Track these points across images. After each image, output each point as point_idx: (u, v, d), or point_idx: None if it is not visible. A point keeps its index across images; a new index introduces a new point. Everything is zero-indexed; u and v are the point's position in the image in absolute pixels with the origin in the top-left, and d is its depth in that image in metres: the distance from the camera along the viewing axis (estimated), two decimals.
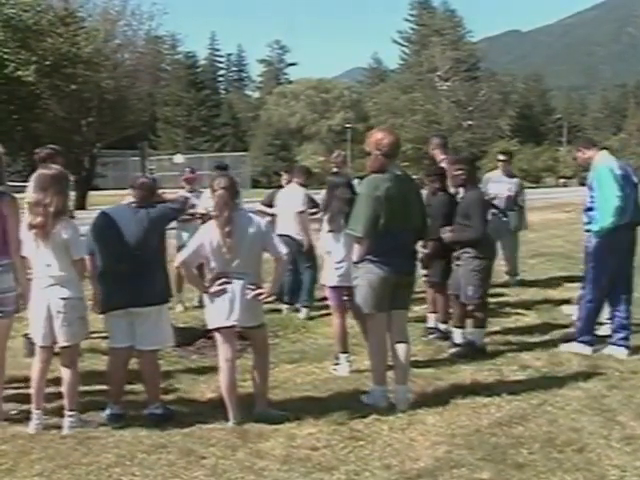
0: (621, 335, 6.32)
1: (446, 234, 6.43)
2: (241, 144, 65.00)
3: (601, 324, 6.70)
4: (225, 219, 4.65)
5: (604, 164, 6.19)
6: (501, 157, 10.26)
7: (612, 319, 6.45)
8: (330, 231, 6.00)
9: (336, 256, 5.93)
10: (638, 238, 6.48)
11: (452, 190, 6.84)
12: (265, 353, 5.01)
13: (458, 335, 6.54)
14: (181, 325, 7.33)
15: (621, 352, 6.21)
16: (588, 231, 6.33)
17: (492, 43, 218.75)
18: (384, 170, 5.03)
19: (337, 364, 5.99)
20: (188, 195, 8.25)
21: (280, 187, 8.88)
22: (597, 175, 6.18)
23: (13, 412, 5.01)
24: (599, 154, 6.32)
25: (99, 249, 4.88)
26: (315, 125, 74.17)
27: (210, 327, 4.88)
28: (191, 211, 8.23)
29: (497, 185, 9.62)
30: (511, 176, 9.91)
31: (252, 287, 4.72)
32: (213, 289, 4.73)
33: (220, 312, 4.73)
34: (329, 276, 6.02)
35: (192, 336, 6.93)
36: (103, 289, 4.90)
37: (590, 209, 6.29)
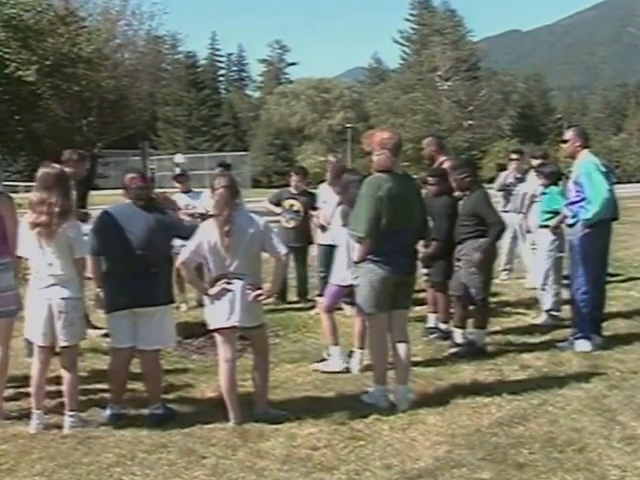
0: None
1: (476, 255, 6.32)
2: (241, 144, 64.85)
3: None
4: (225, 218, 4.64)
5: (590, 160, 6.38)
6: (514, 156, 10.36)
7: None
8: (343, 225, 6.05)
9: (348, 251, 5.92)
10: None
11: (457, 194, 6.84)
12: (265, 353, 5.01)
13: (459, 335, 6.54)
14: (182, 324, 7.33)
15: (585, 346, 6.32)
16: (570, 225, 6.48)
17: (493, 43, 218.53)
18: (392, 168, 5.03)
19: (324, 360, 6.03)
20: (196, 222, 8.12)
21: (286, 186, 8.91)
22: (585, 170, 6.33)
23: (13, 414, 5.02)
24: (585, 151, 6.46)
25: (104, 248, 4.87)
26: (316, 125, 74.08)
27: (210, 327, 4.88)
28: (190, 211, 8.24)
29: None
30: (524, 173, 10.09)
31: (251, 288, 4.72)
32: (213, 291, 4.72)
33: (220, 313, 4.72)
34: (342, 275, 5.99)
35: (192, 335, 6.95)
36: (109, 289, 4.89)
37: (573, 203, 6.42)
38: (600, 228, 6.30)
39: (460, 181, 6.55)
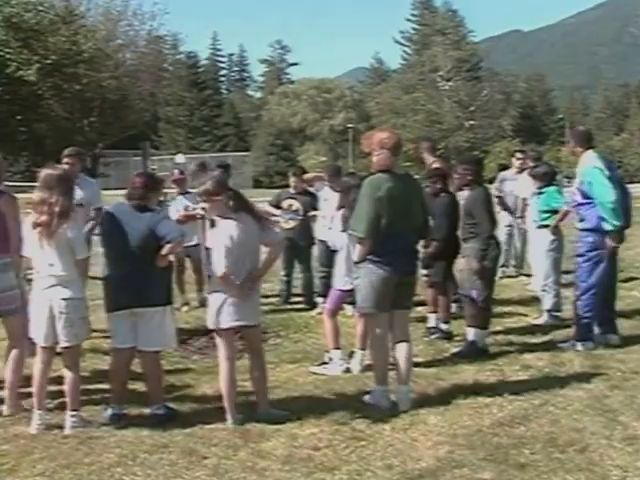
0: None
1: (474, 264, 6.28)
2: (243, 144, 64.82)
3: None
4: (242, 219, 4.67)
5: (593, 165, 6.19)
6: (519, 155, 10.44)
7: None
8: (343, 230, 6.05)
9: (348, 255, 5.94)
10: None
11: (454, 190, 6.85)
12: (261, 353, 5.03)
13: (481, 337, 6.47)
14: (183, 325, 7.33)
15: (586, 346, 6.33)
16: (581, 230, 6.37)
17: (494, 43, 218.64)
18: (391, 168, 5.03)
19: (324, 363, 6.02)
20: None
21: (287, 187, 8.91)
22: (588, 178, 6.18)
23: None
24: (587, 153, 6.32)
25: (104, 247, 4.88)
26: (317, 125, 74.12)
27: (210, 327, 4.87)
28: (191, 213, 8.22)
29: (513, 183, 9.97)
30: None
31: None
32: (243, 293, 4.68)
33: (227, 313, 4.72)
34: (344, 279, 6.00)
35: (194, 336, 6.95)
36: (109, 289, 4.89)
37: (580, 205, 6.33)
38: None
39: (459, 176, 6.54)
